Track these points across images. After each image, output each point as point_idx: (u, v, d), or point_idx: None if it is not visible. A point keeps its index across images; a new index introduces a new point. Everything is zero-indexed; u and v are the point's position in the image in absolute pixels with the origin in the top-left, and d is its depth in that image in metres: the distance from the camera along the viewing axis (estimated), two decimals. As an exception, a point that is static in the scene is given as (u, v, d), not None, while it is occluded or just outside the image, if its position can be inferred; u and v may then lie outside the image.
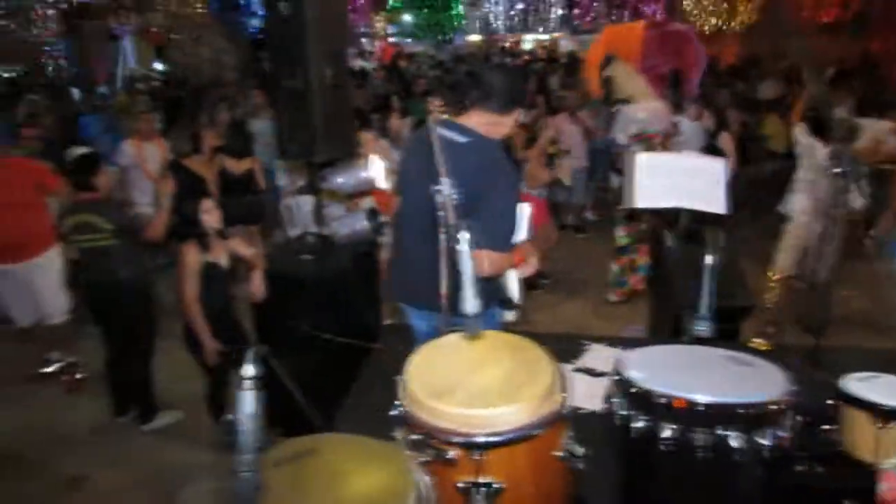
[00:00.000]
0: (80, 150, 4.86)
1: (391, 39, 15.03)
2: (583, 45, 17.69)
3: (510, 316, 2.59)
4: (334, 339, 3.52)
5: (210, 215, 3.31)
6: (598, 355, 3.42)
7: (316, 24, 3.25)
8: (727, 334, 4.00)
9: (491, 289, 2.47)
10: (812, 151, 4.82)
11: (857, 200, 4.62)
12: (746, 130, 7.80)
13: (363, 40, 14.87)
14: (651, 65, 5.23)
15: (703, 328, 2.41)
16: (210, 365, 3.42)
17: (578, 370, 3.21)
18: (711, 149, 6.06)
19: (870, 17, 7.54)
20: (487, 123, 2.40)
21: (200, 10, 11.40)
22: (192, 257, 3.26)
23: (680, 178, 3.41)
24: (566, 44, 18.39)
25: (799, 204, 4.94)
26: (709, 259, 2.41)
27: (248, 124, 6.98)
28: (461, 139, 2.37)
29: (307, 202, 4.82)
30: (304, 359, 3.66)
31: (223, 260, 3.43)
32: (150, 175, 5.79)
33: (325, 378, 3.64)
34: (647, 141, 5.17)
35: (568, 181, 5.55)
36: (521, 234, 3.14)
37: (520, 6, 6.74)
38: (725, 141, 6.58)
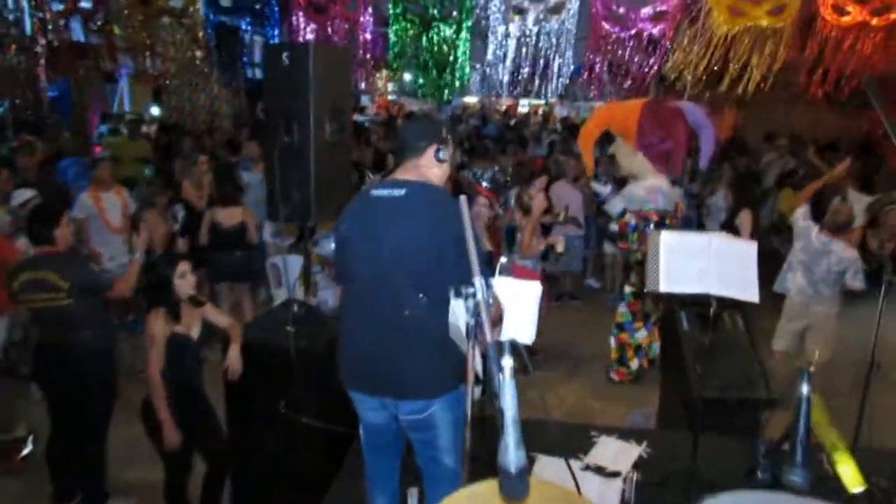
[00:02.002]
0: (26, 195, 4.47)
1: (391, 97, 15.12)
2: (578, 111, 17.87)
3: (477, 392, 2.24)
4: (316, 424, 3.13)
5: (185, 280, 2.93)
6: (608, 450, 3.12)
7: (319, 77, 2.99)
8: (746, 429, 3.67)
9: (458, 363, 2.14)
10: (808, 233, 4.76)
11: (856, 282, 4.50)
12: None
13: (362, 97, 14.88)
14: (647, 143, 5.12)
15: (798, 478, 2.00)
16: (167, 451, 2.97)
17: (588, 468, 2.90)
18: (729, 226, 5.91)
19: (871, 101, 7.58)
20: (416, 175, 2.34)
21: (199, 55, 11.28)
22: (159, 328, 2.86)
23: (709, 262, 3.11)
24: (561, 110, 18.56)
25: (796, 283, 4.82)
26: (804, 389, 2.01)
27: (238, 175, 6.67)
28: (398, 193, 2.27)
29: (296, 263, 4.48)
30: (282, 443, 3.26)
31: (195, 331, 3.03)
32: (113, 226, 5.42)
33: (305, 466, 3.25)
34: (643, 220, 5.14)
35: (562, 248, 5.39)
36: (531, 319, 2.81)
37: (524, 70, 6.74)
38: (745, 218, 6.35)
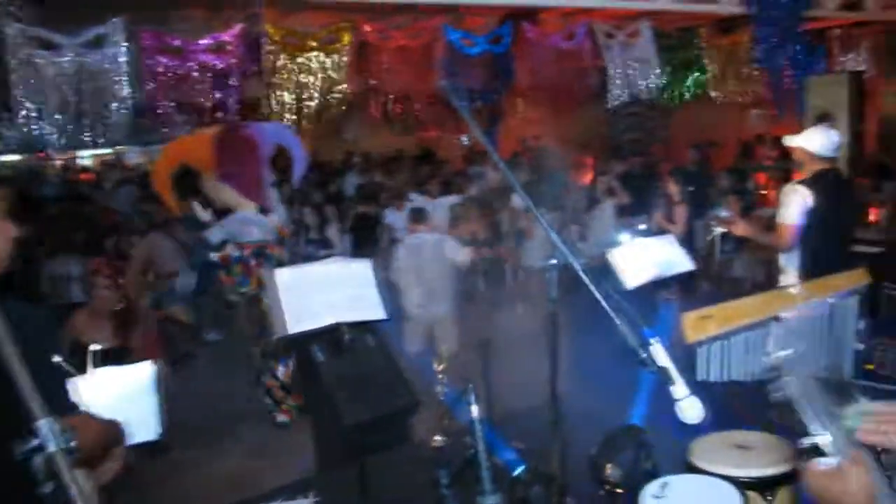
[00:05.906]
0: None
1: None
2: (152, 155, 16.45)
3: None
4: None
5: None
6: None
7: None
8: (399, 437, 3.77)
9: None
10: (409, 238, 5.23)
11: (459, 255, 4.99)
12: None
13: None
14: (227, 172, 4.95)
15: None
16: None
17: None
18: (324, 242, 6.21)
19: (419, 117, 8.99)
20: None
21: None
22: None
23: (331, 291, 3.05)
24: (133, 157, 16.91)
25: (413, 300, 5.05)
26: (474, 411, 1.99)
27: None
28: None
29: None
30: None
31: None
32: None
33: None
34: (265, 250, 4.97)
35: (186, 319, 4.93)
36: (153, 408, 2.34)
37: (72, 115, 5.56)
38: (334, 233, 6.83)
